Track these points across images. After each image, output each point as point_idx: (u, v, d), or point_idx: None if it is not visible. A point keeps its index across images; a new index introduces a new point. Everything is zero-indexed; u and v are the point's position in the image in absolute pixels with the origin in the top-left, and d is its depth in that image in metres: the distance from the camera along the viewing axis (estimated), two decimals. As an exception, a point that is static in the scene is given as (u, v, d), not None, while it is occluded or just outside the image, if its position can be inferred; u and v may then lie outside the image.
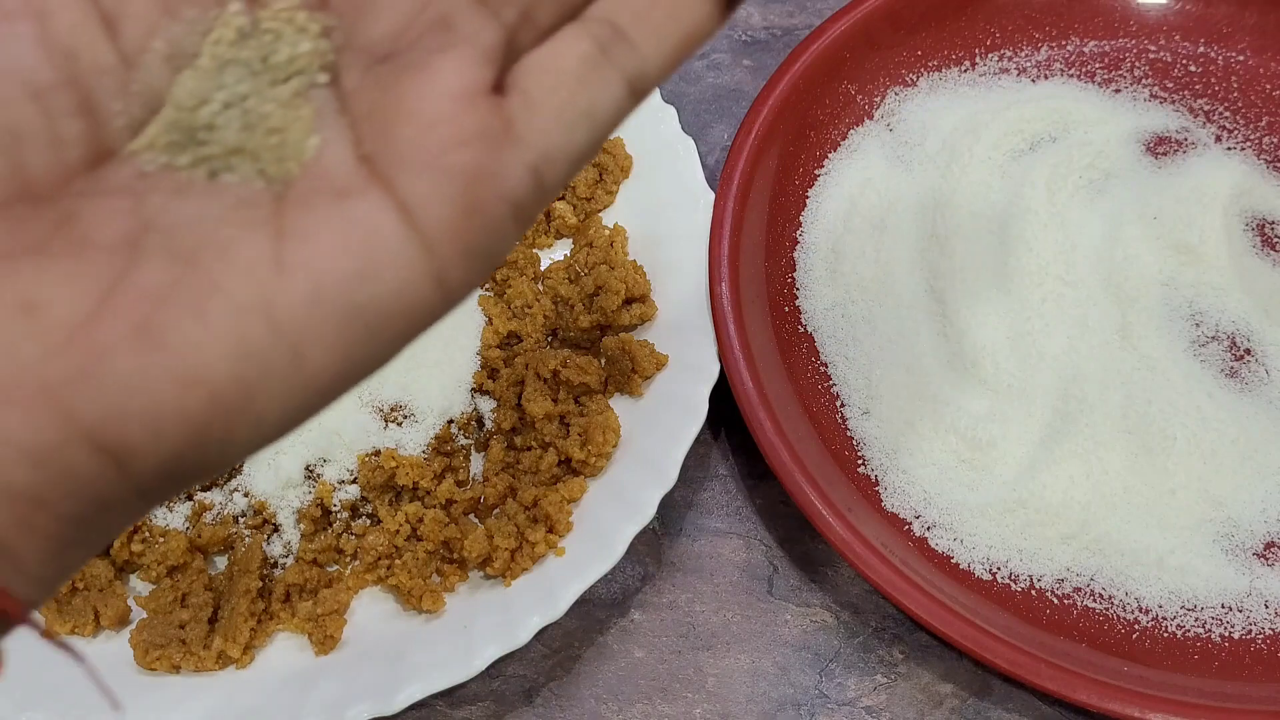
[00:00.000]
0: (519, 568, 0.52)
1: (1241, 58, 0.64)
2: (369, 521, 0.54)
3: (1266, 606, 0.51)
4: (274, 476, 0.53)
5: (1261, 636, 0.50)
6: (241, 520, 0.54)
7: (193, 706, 0.49)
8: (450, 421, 0.55)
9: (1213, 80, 0.63)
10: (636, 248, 0.60)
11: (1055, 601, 0.51)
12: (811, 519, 0.50)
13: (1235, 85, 0.63)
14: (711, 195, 0.59)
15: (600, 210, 0.62)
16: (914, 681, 0.52)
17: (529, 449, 0.55)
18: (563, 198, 0.61)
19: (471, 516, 0.54)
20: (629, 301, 0.57)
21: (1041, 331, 0.56)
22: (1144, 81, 0.64)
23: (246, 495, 0.53)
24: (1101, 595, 0.51)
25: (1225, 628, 0.50)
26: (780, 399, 0.54)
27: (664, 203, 0.60)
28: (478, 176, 0.22)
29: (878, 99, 0.64)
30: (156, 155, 0.23)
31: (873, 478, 0.54)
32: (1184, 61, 0.64)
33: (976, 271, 0.58)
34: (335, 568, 0.53)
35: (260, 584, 0.51)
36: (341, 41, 0.24)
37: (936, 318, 0.58)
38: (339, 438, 0.54)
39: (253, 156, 0.23)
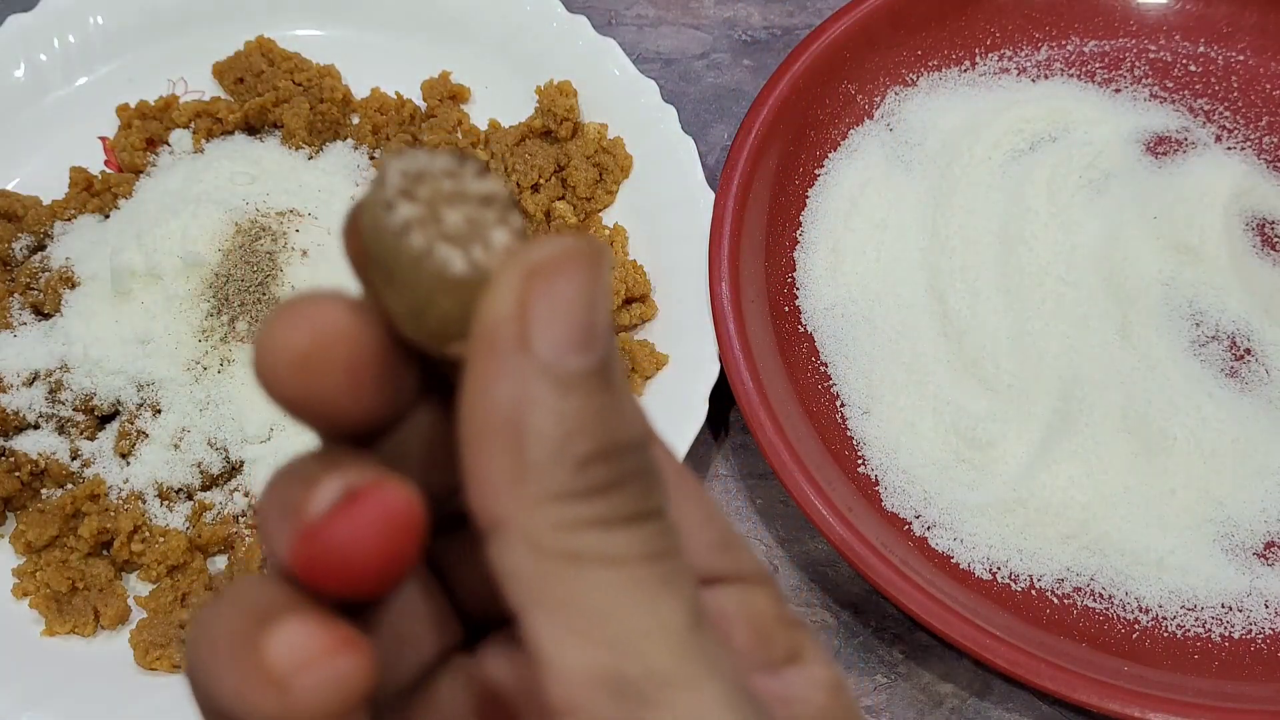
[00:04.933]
0: (519, 568, 0.51)
1: (1241, 58, 0.64)
2: (369, 521, 0.54)
3: (1266, 606, 0.51)
4: (274, 476, 0.53)
5: (1261, 636, 0.50)
6: (241, 520, 0.53)
7: (193, 707, 0.49)
8: (450, 421, 0.55)
9: (1213, 80, 0.63)
10: (636, 248, 0.60)
11: (1055, 601, 0.51)
12: (811, 519, 0.50)
13: (1235, 85, 0.63)
14: (711, 195, 0.58)
15: (600, 210, 0.62)
16: (914, 681, 0.52)
17: (529, 449, 0.55)
18: (562, 197, 0.61)
19: (471, 516, 0.54)
20: (629, 301, 0.57)
21: (1041, 331, 0.56)
22: (1144, 81, 0.64)
23: (246, 495, 0.53)
24: (1101, 595, 0.51)
25: (1225, 628, 0.50)
26: (780, 399, 0.54)
27: (664, 203, 0.60)
28: None
29: (878, 99, 0.64)
30: None
31: (873, 478, 0.54)
32: (1184, 61, 0.64)
33: (976, 271, 0.58)
34: (335, 568, 0.53)
35: (260, 584, 0.51)
36: None
37: (936, 318, 0.57)
38: (339, 438, 0.53)
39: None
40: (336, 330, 0.19)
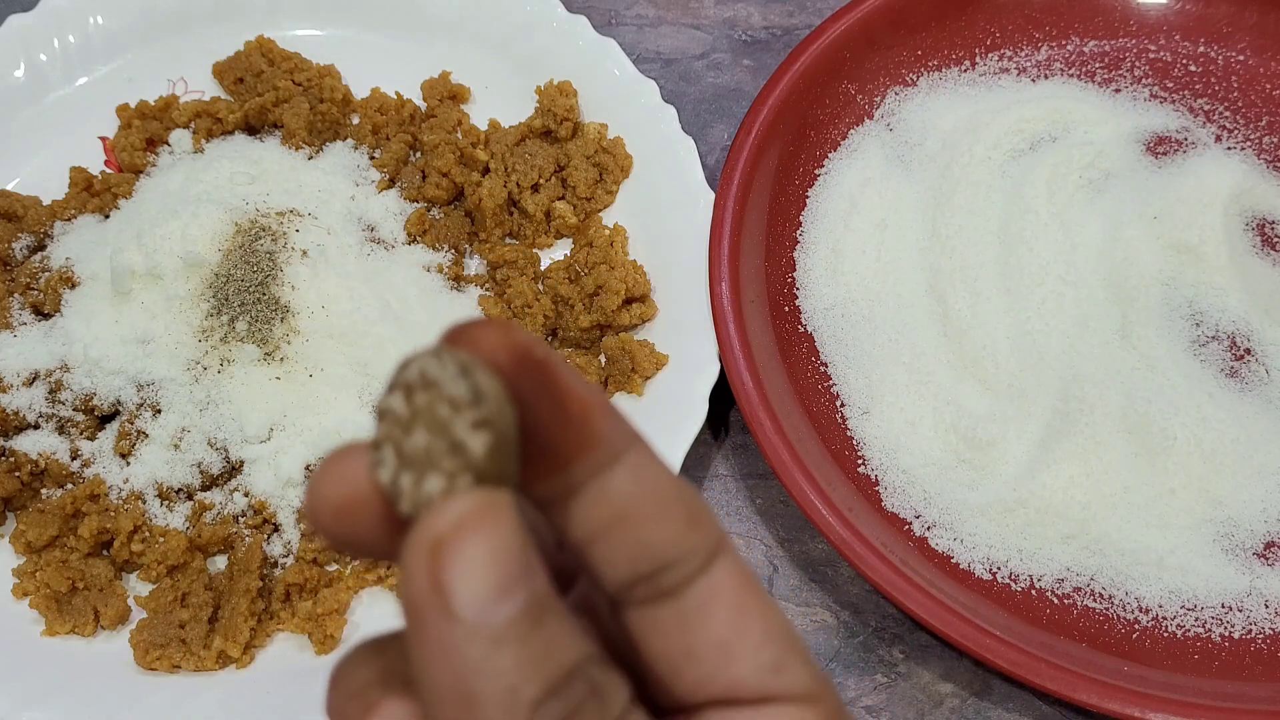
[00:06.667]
0: (519, 568, 0.51)
1: (1241, 58, 0.64)
2: (369, 521, 0.54)
3: (1266, 606, 0.51)
4: (274, 476, 0.53)
5: (1261, 636, 0.50)
6: (241, 520, 0.53)
7: (193, 706, 0.49)
8: (450, 421, 0.55)
9: (1213, 80, 0.63)
10: (636, 248, 0.60)
11: (1055, 601, 0.51)
12: (811, 519, 0.50)
13: (1235, 85, 0.63)
14: (711, 195, 0.59)
15: (600, 210, 0.62)
16: (914, 681, 0.52)
17: (529, 449, 0.55)
18: (562, 197, 0.61)
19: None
20: (629, 301, 0.57)
21: (1041, 331, 0.56)
22: (1144, 81, 0.64)
23: (246, 495, 0.53)
24: (1101, 595, 0.51)
25: (1225, 628, 0.50)
26: (780, 399, 0.54)
27: (664, 203, 0.60)
28: None
29: (878, 99, 0.64)
30: None
31: (873, 478, 0.54)
32: (1184, 61, 0.64)
33: (976, 271, 0.58)
34: (335, 567, 0.53)
35: (260, 584, 0.51)
36: None
37: (937, 318, 0.57)
38: (339, 437, 0.54)
39: None
40: (367, 488, 0.21)
